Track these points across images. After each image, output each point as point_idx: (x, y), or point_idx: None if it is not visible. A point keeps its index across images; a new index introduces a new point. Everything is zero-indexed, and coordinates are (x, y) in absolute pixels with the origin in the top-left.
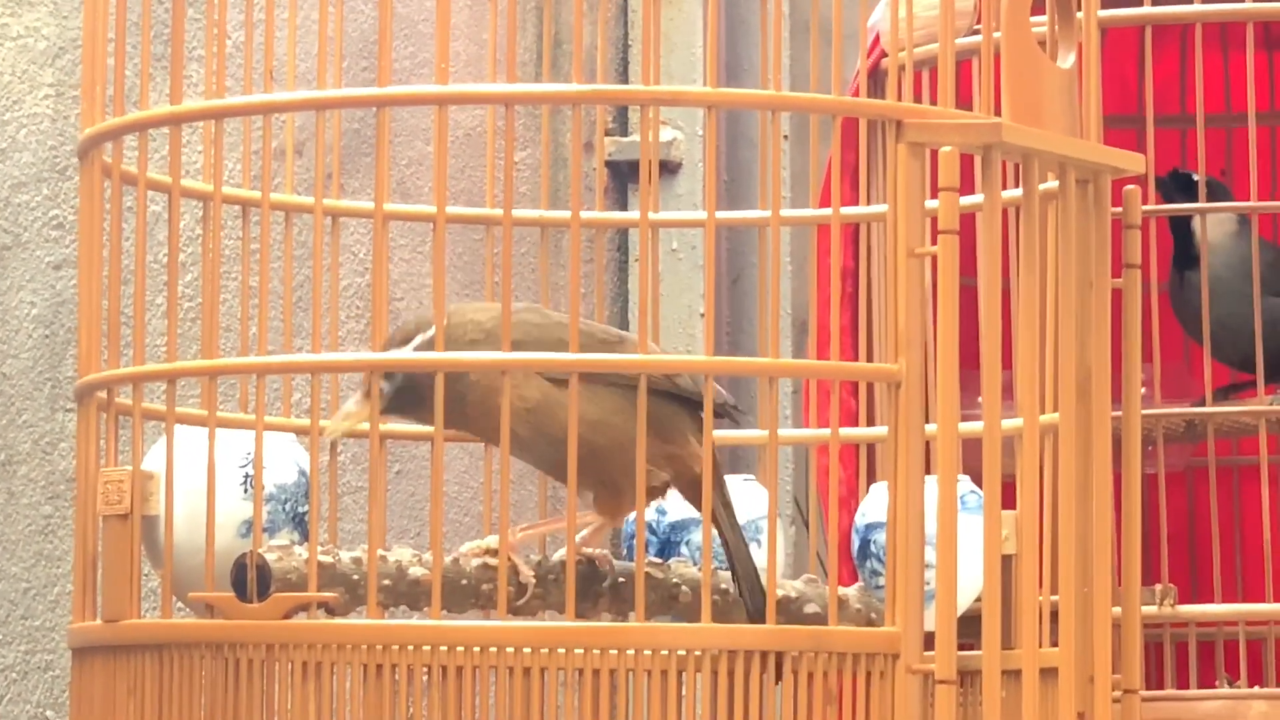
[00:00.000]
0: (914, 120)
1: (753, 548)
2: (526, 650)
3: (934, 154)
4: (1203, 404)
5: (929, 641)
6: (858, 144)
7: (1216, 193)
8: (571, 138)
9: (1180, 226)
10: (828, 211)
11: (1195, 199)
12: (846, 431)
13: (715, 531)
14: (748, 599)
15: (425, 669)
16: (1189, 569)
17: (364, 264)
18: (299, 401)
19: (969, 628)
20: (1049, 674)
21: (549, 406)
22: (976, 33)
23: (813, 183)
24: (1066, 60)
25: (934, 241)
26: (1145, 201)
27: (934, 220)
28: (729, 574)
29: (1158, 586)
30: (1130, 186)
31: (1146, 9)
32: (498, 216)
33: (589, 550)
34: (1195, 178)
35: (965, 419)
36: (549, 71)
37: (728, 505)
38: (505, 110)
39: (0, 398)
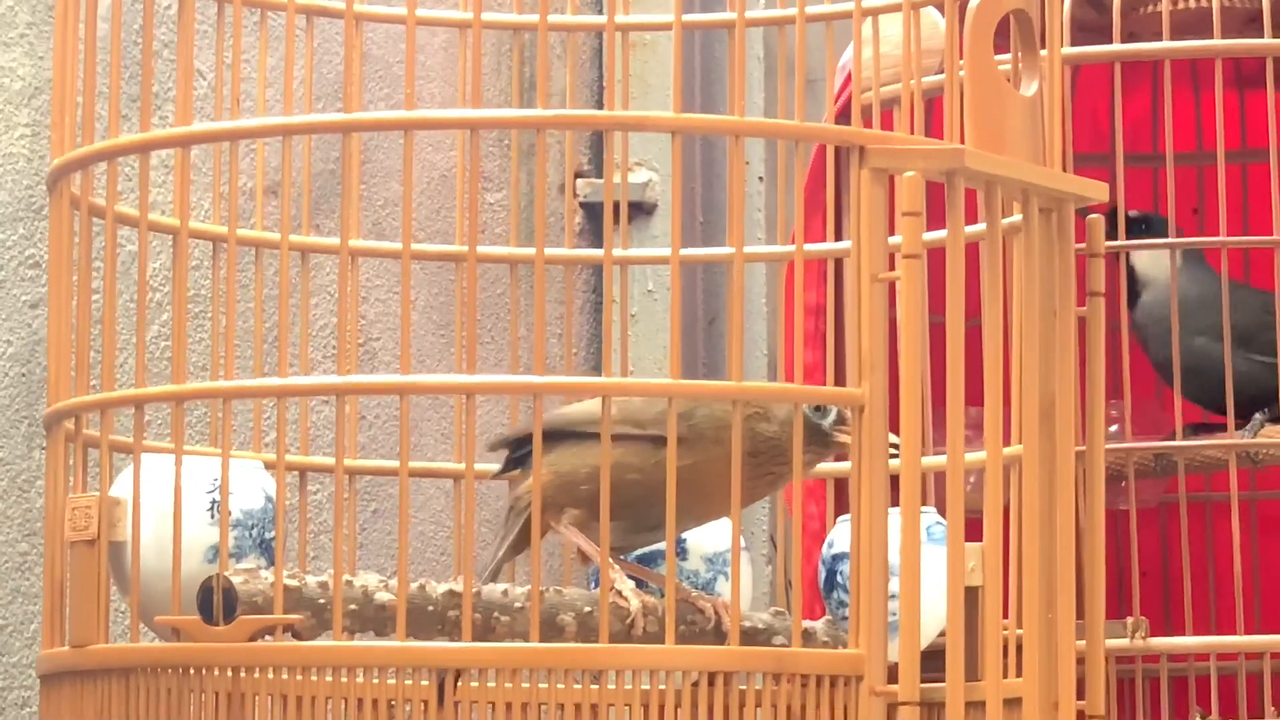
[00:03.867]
0: (877, 146)
1: (720, 581)
2: (491, 682)
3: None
4: (1174, 439)
5: (894, 674)
6: (825, 181)
7: (1154, 226)
8: (536, 168)
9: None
10: (793, 248)
11: (1129, 236)
12: None
13: None
14: None
15: (390, 701)
16: (1163, 604)
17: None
18: (269, 444)
19: (934, 662)
20: (1013, 704)
21: None
22: None
23: (781, 220)
24: (1029, 88)
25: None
26: (1112, 235)
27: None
28: (691, 606)
29: (1129, 619)
30: (1094, 215)
31: (1115, 46)
32: (465, 253)
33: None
34: (1132, 215)
35: (938, 454)
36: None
37: None
38: (471, 137)
39: None
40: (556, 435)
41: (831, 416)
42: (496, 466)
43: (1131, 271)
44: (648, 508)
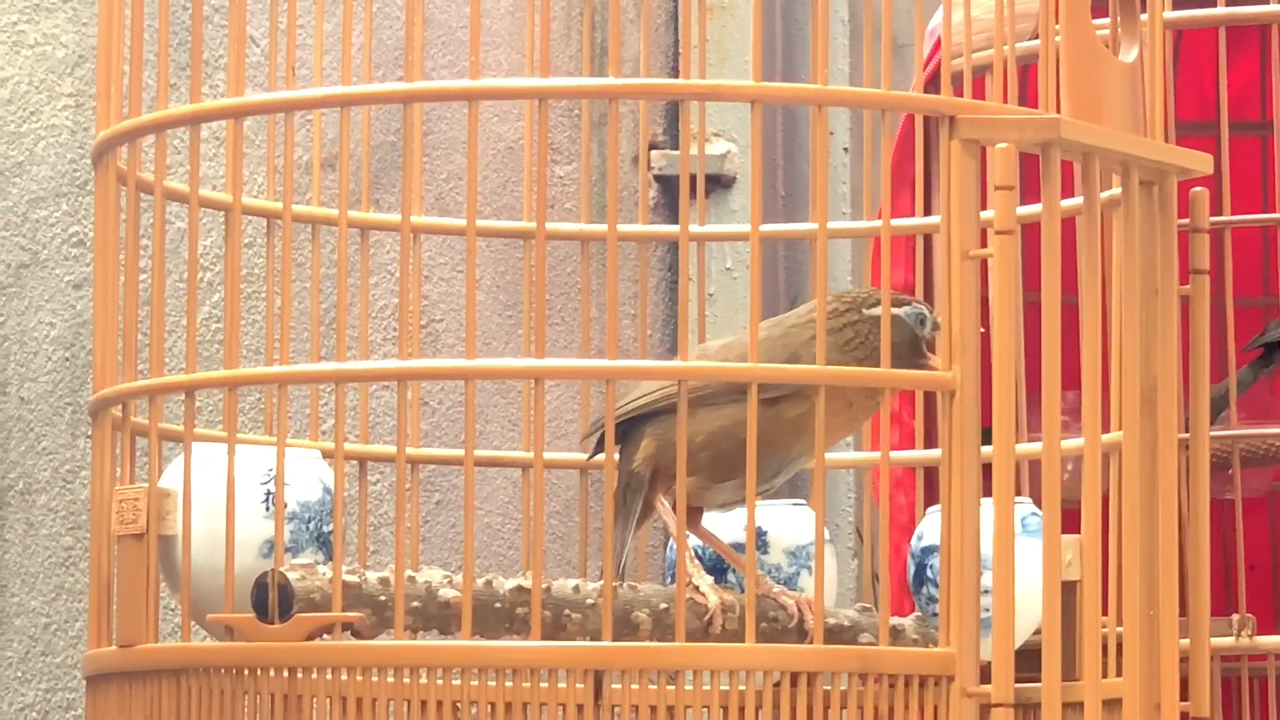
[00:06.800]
0: (968, 115)
1: (803, 576)
2: (562, 684)
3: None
4: None
5: (987, 674)
6: (914, 153)
7: None
8: (608, 139)
9: None
10: (879, 224)
11: None
12: (901, 454)
13: None
14: None
15: (455, 703)
16: (1272, 599)
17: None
18: (327, 431)
19: (1029, 661)
20: (1113, 706)
21: None
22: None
23: (867, 194)
24: (1129, 54)
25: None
26: (1217, 209)
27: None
28: (773, 602)
29: (1235, 616)
30: (1197, 189)
31: (1220, 9)
32: (533, 229)
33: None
34: None
35: (1033, 441)
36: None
37: None
38: (539, 107)
39: (19, 423)
40: (655, 411)
41: (928, 327)
42: (566, 455)
43: None
44: (768, 458)
